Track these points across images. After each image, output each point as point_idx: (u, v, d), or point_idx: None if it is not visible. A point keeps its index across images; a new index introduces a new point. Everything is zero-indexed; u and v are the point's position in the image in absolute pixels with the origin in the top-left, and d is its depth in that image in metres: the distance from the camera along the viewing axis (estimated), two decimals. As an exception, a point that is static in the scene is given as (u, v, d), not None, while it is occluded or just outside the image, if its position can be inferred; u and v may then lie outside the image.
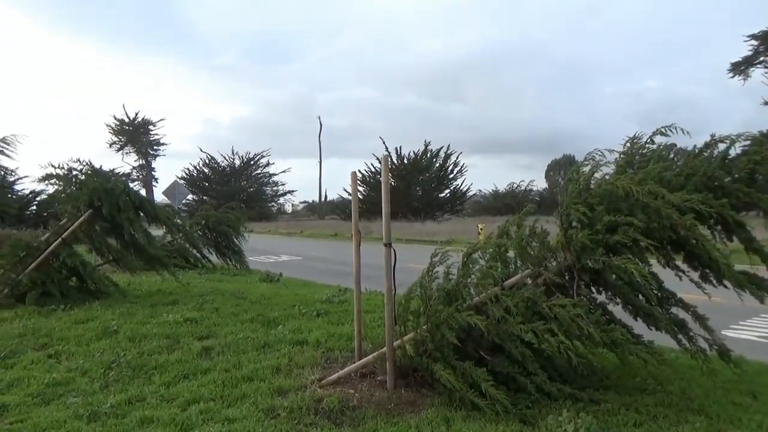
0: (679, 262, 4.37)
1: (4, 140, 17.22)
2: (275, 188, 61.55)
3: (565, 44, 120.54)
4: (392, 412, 4.06)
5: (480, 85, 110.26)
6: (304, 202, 74.51)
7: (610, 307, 4.58)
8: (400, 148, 46.80)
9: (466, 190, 48.70)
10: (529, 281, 4.64)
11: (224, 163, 58.22)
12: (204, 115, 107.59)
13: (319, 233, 35.32)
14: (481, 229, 26.38)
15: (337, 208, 55.54)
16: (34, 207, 32.48)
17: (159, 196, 22.02)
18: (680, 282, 4.37)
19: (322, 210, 61.94)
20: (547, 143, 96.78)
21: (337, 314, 7.44)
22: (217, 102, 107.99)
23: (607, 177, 4.58)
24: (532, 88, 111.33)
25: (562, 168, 68.88)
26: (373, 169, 46.42)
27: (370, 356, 4.75)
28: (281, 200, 65.21)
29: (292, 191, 63.54)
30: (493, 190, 58.70)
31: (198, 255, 14.72)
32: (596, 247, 4.26)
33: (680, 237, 4.09)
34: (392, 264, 4.49)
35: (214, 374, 4.97)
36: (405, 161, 46.05)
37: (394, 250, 4.52)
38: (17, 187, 31.01)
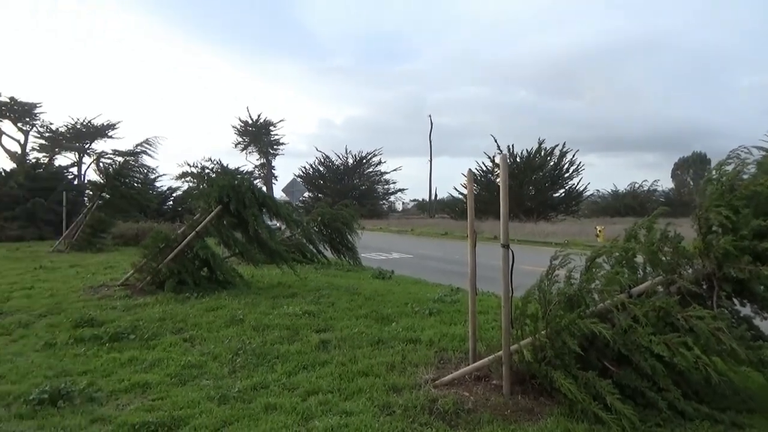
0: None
1: (147, 141, 19.09)
2: (386, 186, 62.69)
3: (695, 34, 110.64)
4: (509, 418, 3.94)
5: (598, 79, 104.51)
6: (414, 200, 75.05)
7: (757, 321, 4.12)
8: (513, 146, 45.69)
9: (583, 189, 46.42)
10: (660, 289, 4.30)
11: (338, 162, 60.25)
12: (319, 116, 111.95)
13: (430, 231, 35.40)
14: (599, 231, 25.03)
15: (447, 207, 55.28)
16: (171, 202, 35.75)
17: (278, 193, 23.30)
18: None
19: (431, 208, 62.03)
20: (673, 140, 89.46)
21: (450, 314, 7.38)
22: (331, 103, 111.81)
23: (747, 177, 4.13)
24: (656, 81, 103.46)
25: (692, 166, 63.54)
26: (484, 168, 45.74)
27: (486, 359, 4.64)
28: (392, 198, 66.29)
29: (403, 189, 64.59)
30: (612, 190, 55.60)
31: (314, 250, 15.30)
32: (741, 255, 3.85)
33: None
34: (510, 266, 4.36)
35: (331, 367, 5.12)
36: (517, 160, 44.82)
37: (512, 252, 4.38)
38: (157, 184, 34.30)
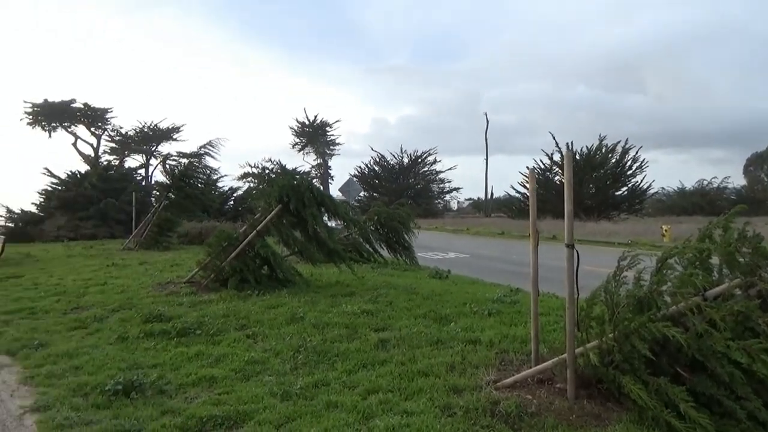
0: None
1: (210, 143, 19.80)
2: (441, 185, 62.41)
3: (764, 20, 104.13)
4: (574, 424, 3.82)
5: (662, 72, 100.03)
6: (470, 199, 74.43)
7: None
8: (572, 143, 44.32)
9: (647, 187, 44.63)
10: (738, 292, 4.05)
11: (393, 161, 60.45)
12: (373, 115, 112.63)
13: (486, 231, 34.93)
14: (665, 230, 24.02)
15: (504, 206, 54.51)
16: (232, 202, 36.87)
17: (334, 193, 23.58)
18: None
19: (487, 207, 61.29)
20: (744, 134, 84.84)
21: (510, 315, 7.25)
22: (385, 102, 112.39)
23: None
24: (726, 73, 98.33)
25: (766, 162, 59.92)
26: (542, 166, 44.74)
27: (549, 362, 4.52)
28: (447, 197, 65.99)
29: (458, 188, 64.01)
30: (678, 188, 53.27)
31: (371, 249, 15.38)
32: (831, 256, 3.57)
33: None
34: (575, 266, 4.22)
35: (390, 366, 5.12)
36: (577, 157, 43.56)
37: (577, 252, 4.25)
38: (219, 184, 35.42)
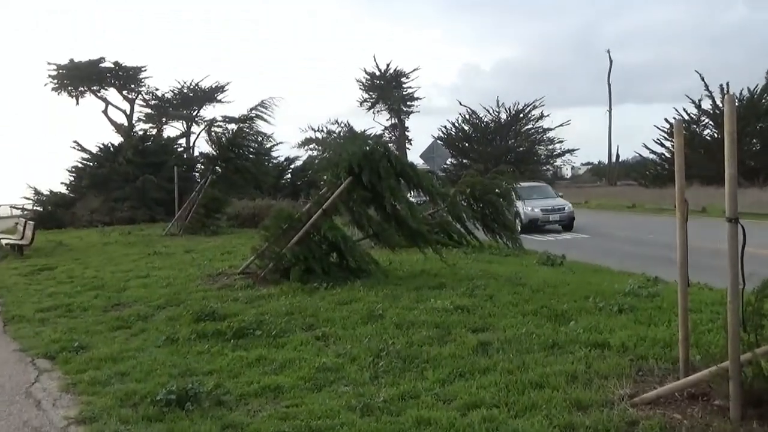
0: None
1: (262, 104, 20.10)
2: (550, 147, 60.95)
3: None
4: (740, 451, 3.68)
5: None
6: (588, 163, 72.46)
7: None
8: (727, 84, 41.91)
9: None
10: None
11: (487, 119, 59.58)
12: (462, 61, 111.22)
13: (610, 204, 34.05)
14: None
15: (634, 171, 52.71)
16: (289, 175, 37.85)
17: (414, 160, 23.61)
18: None
19: (612, 174, 59.51)
20: None
21: (647, 311, 7.06)
22: (477, 44, 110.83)
23: None
24: None
25: None
26: (687, 117, 42.65)
27: (703, 372, 4.37)
28: (558, 162, 64.37)
29: (573, 150, 62.10)
30: None
31: (462, 230, 15.38)
32: None
33: None
34: (740, 247, 4.03)
35: (494, 375, 5.14)
36: (735, 103, 41.17)
37: (743, 228, 4.05)
38: (273, 154, 36.35)
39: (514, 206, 16.76)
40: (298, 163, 38.68)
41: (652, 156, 47.04)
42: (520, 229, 19.49)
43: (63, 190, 32.07)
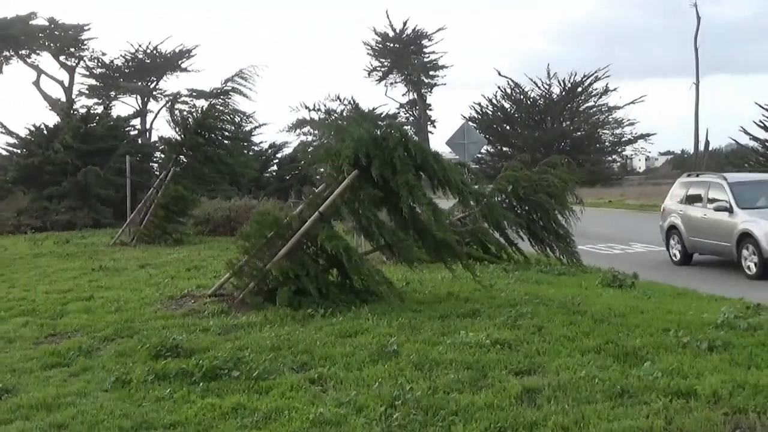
0: None
1: (240, 74, 20.08)
2: (618, 131, 60.80)
3: None
4: None
5: None
6: (668, 152, 72.17)
7: None
8: None
9: None
10: None
11: (534, 94, 59.50)
12: (503, 20, 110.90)
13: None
14: None
15: (730, 163, 52.33)
16: (275, 167, 37.82)
17: (439, 147, 23.44)
18: None
19: (699, 165, 59.11)
20: None
21: (746, 348, 7.04)
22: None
23: None
24: None
25: None
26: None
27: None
28: (628, 150, 64.23)
29: (647, 135, 61.91)
30: None
31: (502, 240, 15.34)
32: None
33: None
34: None
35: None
36: None
37: None
38: (255, 139, 36.23)
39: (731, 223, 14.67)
40: (287, 151, 38.65)
41: (752, 143, 46.73)
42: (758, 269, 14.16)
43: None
